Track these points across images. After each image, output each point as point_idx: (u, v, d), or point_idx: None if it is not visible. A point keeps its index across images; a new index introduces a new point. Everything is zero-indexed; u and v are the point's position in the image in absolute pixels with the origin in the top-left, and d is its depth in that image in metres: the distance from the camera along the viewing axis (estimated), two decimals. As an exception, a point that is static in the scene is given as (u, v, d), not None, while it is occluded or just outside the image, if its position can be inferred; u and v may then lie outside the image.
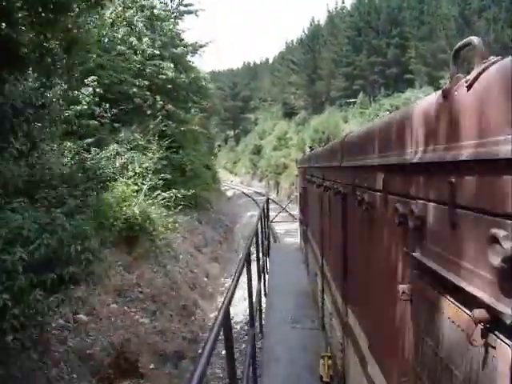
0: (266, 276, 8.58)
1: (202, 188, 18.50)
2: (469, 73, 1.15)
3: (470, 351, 1.18)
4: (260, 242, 6.93)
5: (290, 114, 57.73)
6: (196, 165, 18.16)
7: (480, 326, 1.08)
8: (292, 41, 73.39)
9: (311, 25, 64.18)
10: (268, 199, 13.14)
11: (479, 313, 1.07)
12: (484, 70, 1.08)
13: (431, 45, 42.49)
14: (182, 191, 13.62)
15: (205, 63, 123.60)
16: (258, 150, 54.96)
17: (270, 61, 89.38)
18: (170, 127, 16.44)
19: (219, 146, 77.54)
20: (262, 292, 7.01)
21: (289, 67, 64.24)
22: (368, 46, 51.07)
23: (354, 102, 47.13)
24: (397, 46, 49.03)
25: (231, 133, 78.71)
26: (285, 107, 61.13)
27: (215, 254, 16.22)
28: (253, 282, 4.56)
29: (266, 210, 10.55)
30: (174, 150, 16.31)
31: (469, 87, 1.13)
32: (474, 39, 1.15)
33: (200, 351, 1.91)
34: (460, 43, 1.28)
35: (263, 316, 6.51)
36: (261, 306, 6.24)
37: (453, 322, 1.29)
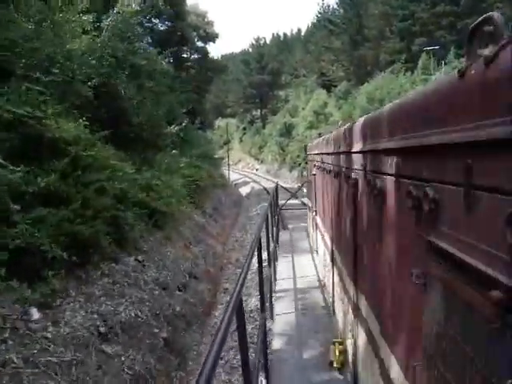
0: (276, 263, 8.61)
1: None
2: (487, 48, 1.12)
3: (487, 333, 1.17)
4: (269, 229, 6.95)
5: (327, 86, 45.68)
6: None
7: (497, 307, 1.08)
8: (329, 6, 60.82)
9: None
10: (277, 186, 13.11)
11: (496, 294, 1.06)
12: (504, 47, 1.05)
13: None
14: None
15: (231, 42, 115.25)
16: (287, 131, 43.34)
17: (303, 32, 77.85)
18: None
19: (244, 128, 67.10)
20: (273, 278, 7.04)
21: (326, 28, 50.25)
22: (433, -10, 37.00)
23: (415, 65, 33.50)
24: (474, -13, 34.20)
25: (258, 113, 67.11)
26: (321, 79, 48.99)
27: None
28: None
29: (275, 197, 10.55)
30: None
31: (487, 64, 1.11)
32: (494, 15, 1.13)
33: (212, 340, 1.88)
34: (478, 20, 1.24)
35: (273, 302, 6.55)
36: (271, 291, 6.27)
37: (469, 304, 1.28)
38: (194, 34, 28.74)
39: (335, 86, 44.26)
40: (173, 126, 14.39)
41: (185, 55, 28.19)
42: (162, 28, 25.47)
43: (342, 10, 49.38)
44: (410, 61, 35.44)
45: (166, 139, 13.85)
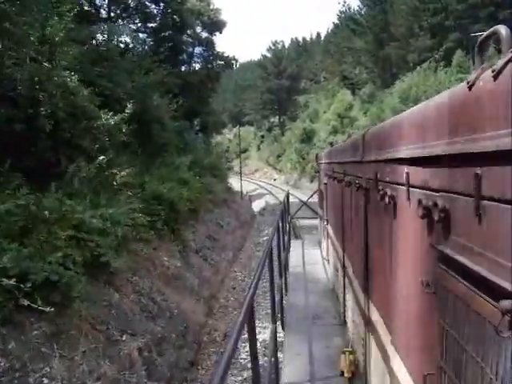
0: (287, 272, 8.59)
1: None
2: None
3: (497, 343, 1.17)
4: (281, 238, 6.95)
5: (351, 89, 42.76)
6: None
7: (507, 317, 1.08)
8: (350, 8, 52.36)
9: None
10: (288, 194, 13.08)
11: (506, 303, 1.07)
12: (511, 60, 1.07)
13: None
14: None
15: (249, 51, 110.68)
16: (307, 137, 39.98)
17: (323, 37, 73.70)
18: None
19: (262, 136, 63.61)
20: (283, 288, 7.03)
21: (348, 28, 47.01)
22: (468, -21, 31.58)
23: (448, 62, 29.22)
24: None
25: (276, 120, 63.66)
26: (344, 82, 45.46)
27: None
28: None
29: (286, 206, 10.55)
30: None
31: (495, 77, 1.12)
32: (501, 29, 1.14)
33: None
34: (485, 33, 1.26)
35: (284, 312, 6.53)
36: (282, 301, 6.25)
37: (479, 313, 1.28)
38: (198, 21, 24.11)
39: (359, 89, 41.31)
40: (111, 113, 8.74)
41: (183, 46, 23.46)
42: (156, 11, 21.22)
43: (364, 9, 45.85)
44: (440, 59, 31.82)
45: (99, 137, 8.19)
